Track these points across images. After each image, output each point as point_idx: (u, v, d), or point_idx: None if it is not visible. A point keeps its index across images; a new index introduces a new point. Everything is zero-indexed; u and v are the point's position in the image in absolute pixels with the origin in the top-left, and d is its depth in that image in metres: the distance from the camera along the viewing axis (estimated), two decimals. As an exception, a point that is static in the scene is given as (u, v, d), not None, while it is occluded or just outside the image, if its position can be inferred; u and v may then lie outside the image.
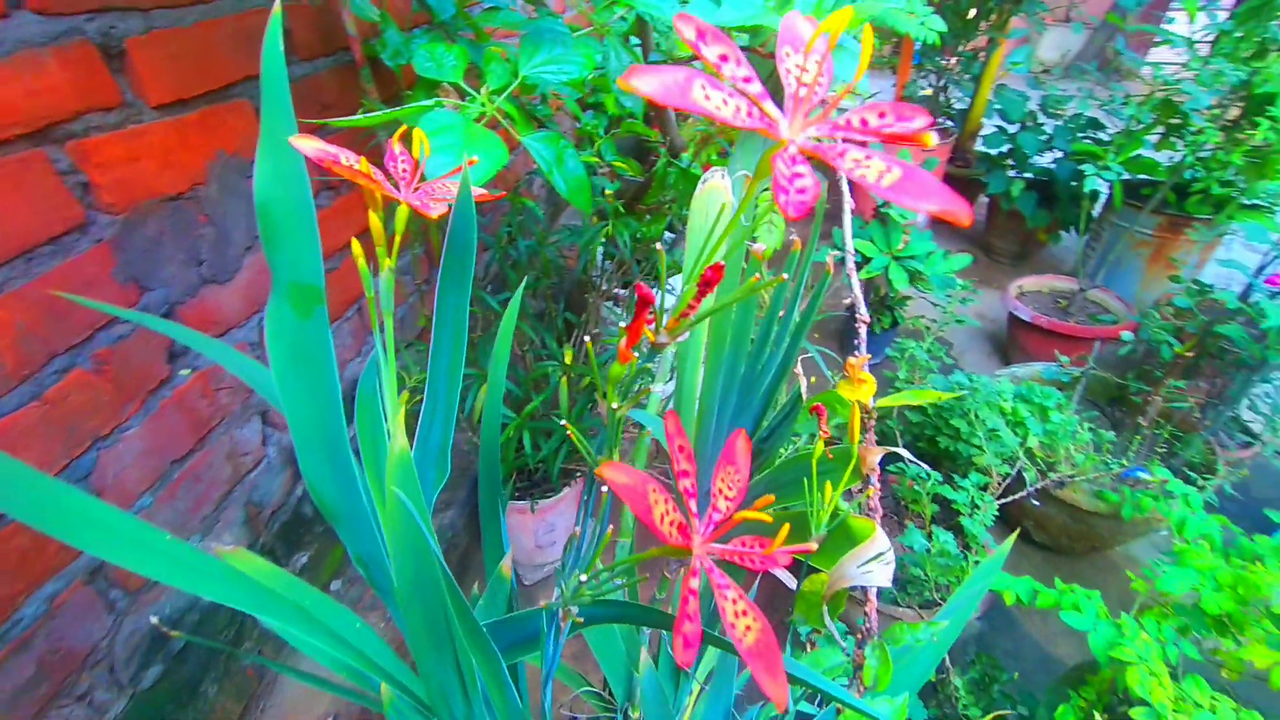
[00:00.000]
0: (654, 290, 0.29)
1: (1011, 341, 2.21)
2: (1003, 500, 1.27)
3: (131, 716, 0.83)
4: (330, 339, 0.36)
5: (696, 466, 0.53)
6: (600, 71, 0.66)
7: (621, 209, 1.14)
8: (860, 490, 0.38)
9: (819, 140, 0.16)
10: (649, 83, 0.16)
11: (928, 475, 1.21)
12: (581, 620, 0.31)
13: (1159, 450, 1.37)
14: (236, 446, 0.99)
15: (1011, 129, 2.49)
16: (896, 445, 1.46)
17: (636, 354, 0.27)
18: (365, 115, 0.53)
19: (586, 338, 1.31)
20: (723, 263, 0.26)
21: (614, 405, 0.31)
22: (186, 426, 0.89)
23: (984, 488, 1.25)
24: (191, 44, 0.83)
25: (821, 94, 0.17)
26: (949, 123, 2.84)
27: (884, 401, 0.34)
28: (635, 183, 1.14)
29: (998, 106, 2.49)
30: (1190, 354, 1.37)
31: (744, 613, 0.19)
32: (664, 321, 0.25)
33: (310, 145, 0.23)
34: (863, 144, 0.17)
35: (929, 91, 2.67)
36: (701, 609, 0.32)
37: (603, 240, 1.06)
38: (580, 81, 0.59)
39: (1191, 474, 1.30)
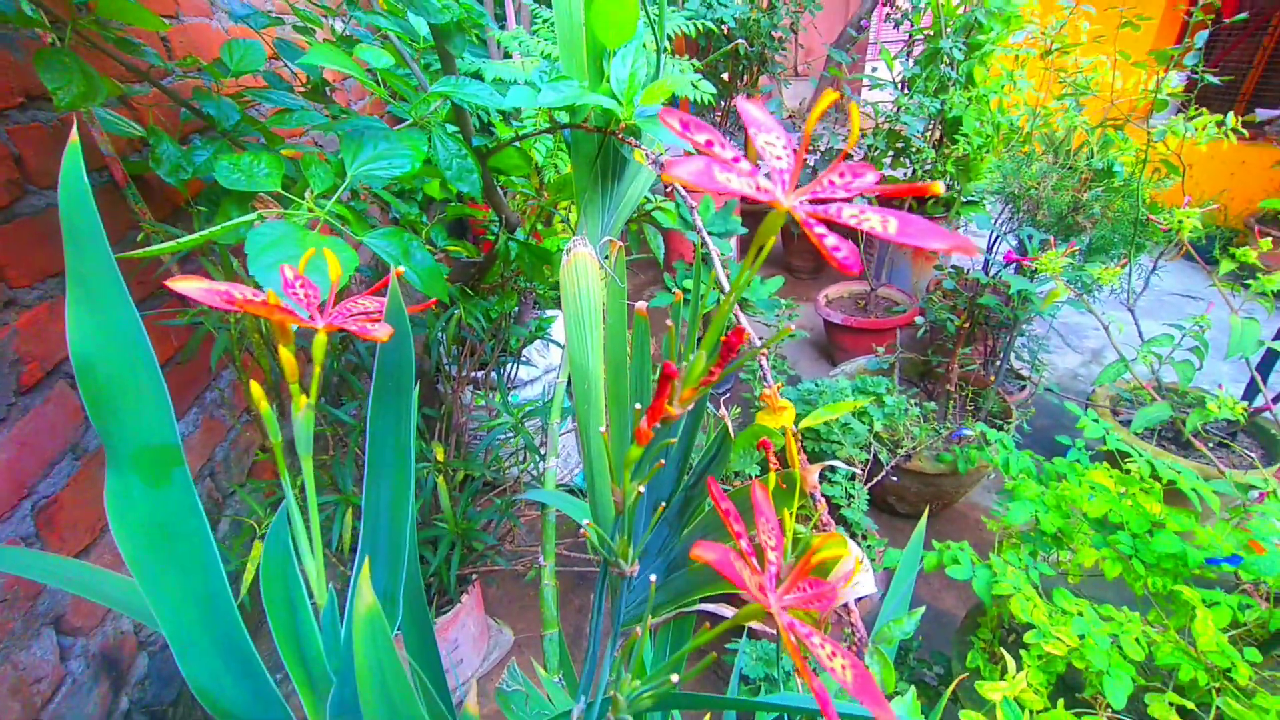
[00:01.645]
0: (515, 364, 0.29)
1: (832, 344, 2.50)
2: (869, 484, 1.41)
3: None
4: (198, 504, 0.30)
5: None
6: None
7: (467, 291, 1.12)
8: (820, 502, 0.40)
9: (823, 203, 0.18)
10: (683, 173, 0.17)
11: (806, 479, 1.30)
12: None
13: (968, 409, 1.63)
14: (24, 675, 0.76)
15: (784, 166, 2.91)
16: (766, 460, 1.57)
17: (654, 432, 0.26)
18: (177, 241, 0.46)
19: (454, 429, 1.24)
20: (744, 326, 0.27)
21: (639, 487, 0.29)
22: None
23: (852, 478, 1.38)
24: None
25: (791, 165, 0.19)
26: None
27: (807, 421, 0.37)
28: (474, 264, 1.13)
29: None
30: (966, 325, 1.67)
31: (834, 654, 0.19)
32: (679, 393, 0.25)
33: (193, 286, 0.20)
34: (848, 200, 0.19)
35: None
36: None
37: (454, 327, 1.03)
38: (412, 174, 0.58)
39: (996, 421, 1.57)
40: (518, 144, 0.80)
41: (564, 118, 0.71)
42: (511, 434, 1.07)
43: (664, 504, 0.51)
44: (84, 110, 0.66)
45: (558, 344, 1.40)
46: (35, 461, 0.82)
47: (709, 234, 2.23)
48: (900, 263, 2.59)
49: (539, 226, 1.28)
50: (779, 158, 0.19)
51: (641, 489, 0.30)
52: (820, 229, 0.17)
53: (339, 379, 1.17)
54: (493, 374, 1.33)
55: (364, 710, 0.21)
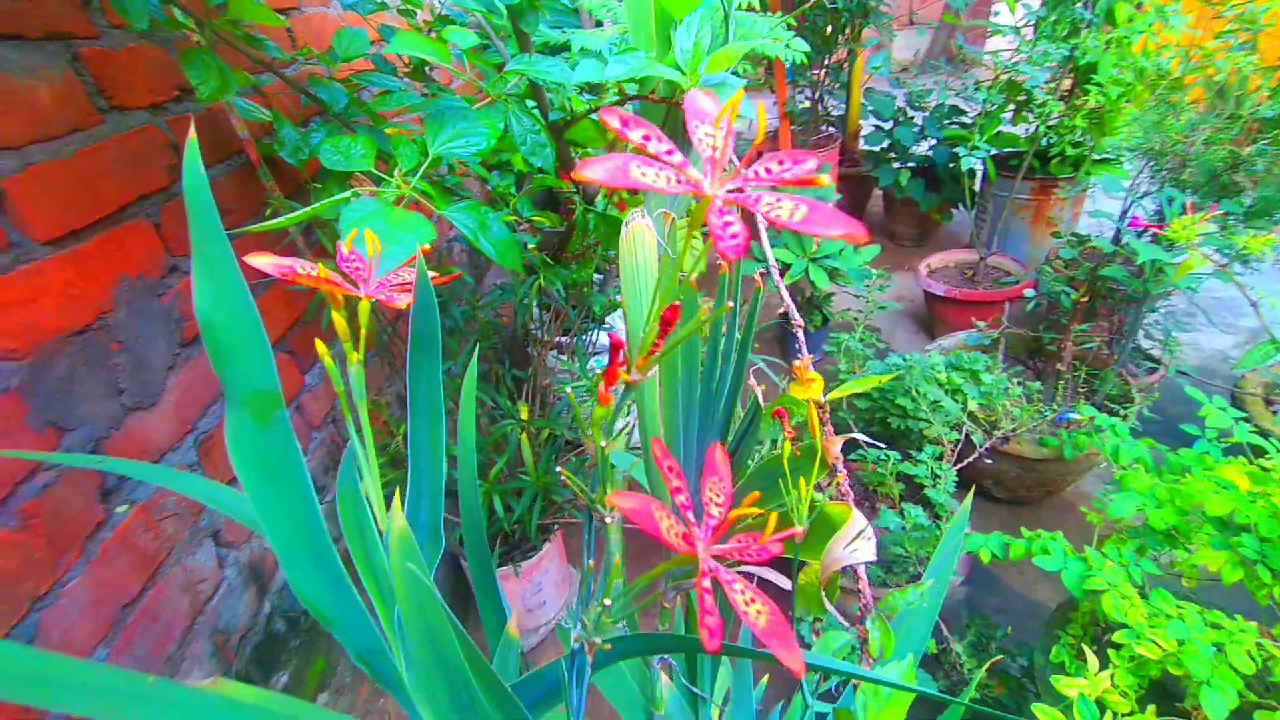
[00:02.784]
0: (597, 330, 0.31)
1: (932, 316, 2.35)
2: (958, 465, 1.34)
3: None
4: (295, 442, 0.35)
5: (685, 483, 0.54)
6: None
7: (548, 260, 1.17)
8: (829, 481, 0.40)
9: (738, 192, 0.19)
10: (596, 171, 0.19)
11: (887, 456, 1.26)
12: (609, 647, 0.31)
13: (1081, 391, 1.49)
14: (191, 575, 0.93)
15: (887, 126, 2.71)
16: (853, 433, 1.52)
17: (614, 395, 0.29)
18: (286, 216, 0.53)
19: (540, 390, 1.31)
20: (679, 303, 0.29)
21: (602, 444, 0.32)
22: (133, 565, 0.83)
23: (939, 457, 1.32)
24: (75, 174, 0.81)
25: (730, 155, 0.20)
26: (831, 129, 3.06)
27: (833, 394, 0.37)
28: (556, 233, 1.17)
29: (871, 108, 2.71)
30: (1085, 299, 1.51)
31: (752, 600, 0.21)
32: (634, 360, 0.27)
33: (265, 261, 0.24)
34: (771, 188, 0.19)
35: (808, 104, 2.88)
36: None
37: (535, 293, 1.08)
38: (489, 151, 0.62)
39: (1113, 406, 1.42)
40: (593, 116, 0.82)
41: (634, 89, 0.72)
42: (588, 396, 1.12)
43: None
44: (223, 100, 0.76)
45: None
46: (195, 402, 0.97)
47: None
48: (1015, 228, 2.36)
49: (624, 195, 1.30)
50: (714, 149, 0.20)
51: (606, 445, 0.32)
52: (721, 218, 0.18)
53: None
54: (576, 339, 1.39)
55: (403, 615, 0.25)
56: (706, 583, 0.22)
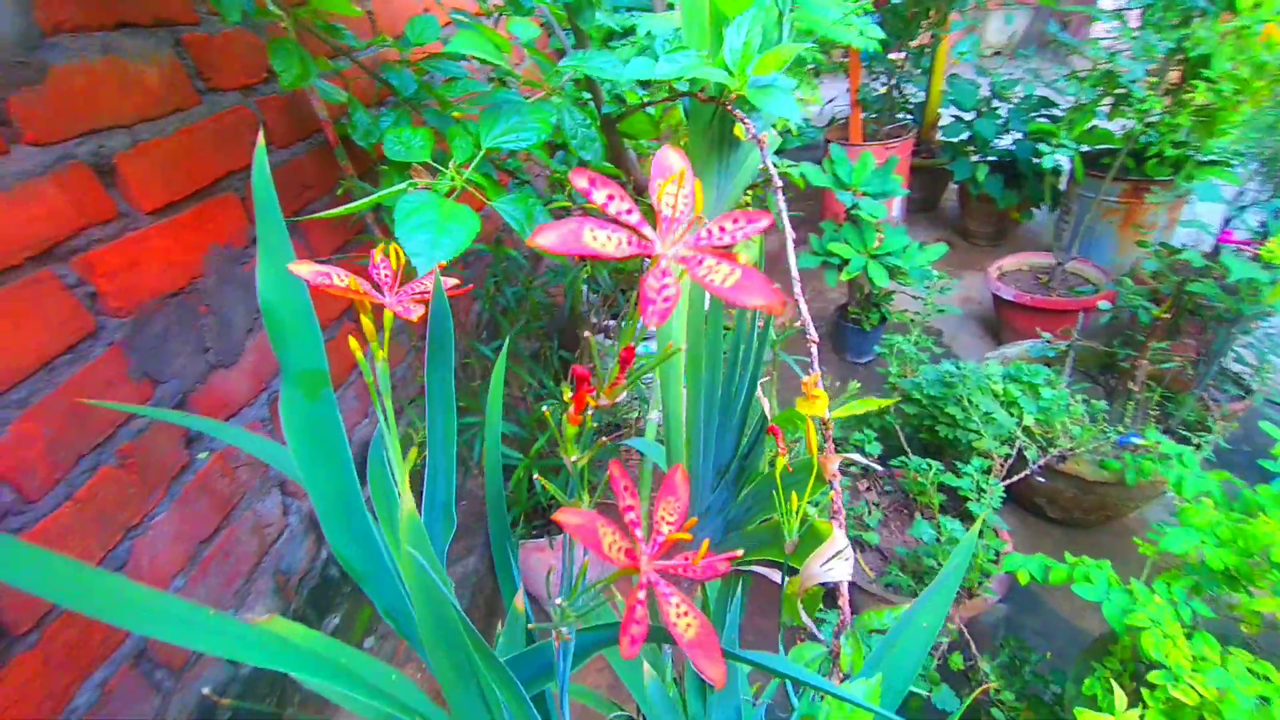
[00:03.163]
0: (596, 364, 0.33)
1: (1000, 322, 2.24)
2: (1008, 481, 1.29)
3: (182, 798, 0.85)
4: (338, 416, 0.40)
5: (689, 487, 0.56)
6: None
7: (599, 247, 1.19)
8: (836, 490, 0.41)
9: (686, 254, 0.20)
10: (549, 237, 0.20)
11: (929, 466, 1.23)
12: (569, 637, 0.34)
13: (1153, 414, 1.39)
14: (260, 520, 1.03)
15: (968, 116, 2.56)
16: (899, 439, 1.49)
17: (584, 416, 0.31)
18: (350, 205, 0.57)
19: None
20: (633, 345, 0.30)
21: (573, 458, 0.34)
22: (210, 507, 0.92)
23: (987, 471, 1.28)
24: (175, 150, 0.89)
25: (688, 215, 0.21)
26: (908, 118, 2.92)
27: (837, 413, 0.38)
28: (609, 220, 1.19)
29: (952, 97, 2.57)
30: (1168, 315, 1.40)
31: (684, 613, 0.22)
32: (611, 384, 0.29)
33: (306, 269, 0.28)
34: (725, 249, 0.21)
35: (884, 90, 2.76)
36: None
37: (585, 277, 1.11)
38: (539, 145, 0.64)
39: (1186, 434, 1.33)
40: (647, 109, 0.83)
41: (684, 86, 0.73)
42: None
43: (725, 470, 0.54)
44: (303, 86, 0.81)
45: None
46: (269, 364, 1.06)
47: (865, 194, 2.09)
48: (1101, 232, 2.20)
49: None
50: (672, 207, 0.21)
51: (582, 459, 0.34)
52: (660, 280, 0.19)
53: (490, 319, 1.33)
54: (623, 323, 1.41)
55: (411, 593, 0.28)
56: (641, 594, 0.24)
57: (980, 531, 1.18)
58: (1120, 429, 1.32)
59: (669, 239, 0.21)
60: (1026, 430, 1.33)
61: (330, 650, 0.47)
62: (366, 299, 0.28)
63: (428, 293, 0.33)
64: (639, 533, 0.26)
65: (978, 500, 1.22)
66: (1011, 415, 1.33)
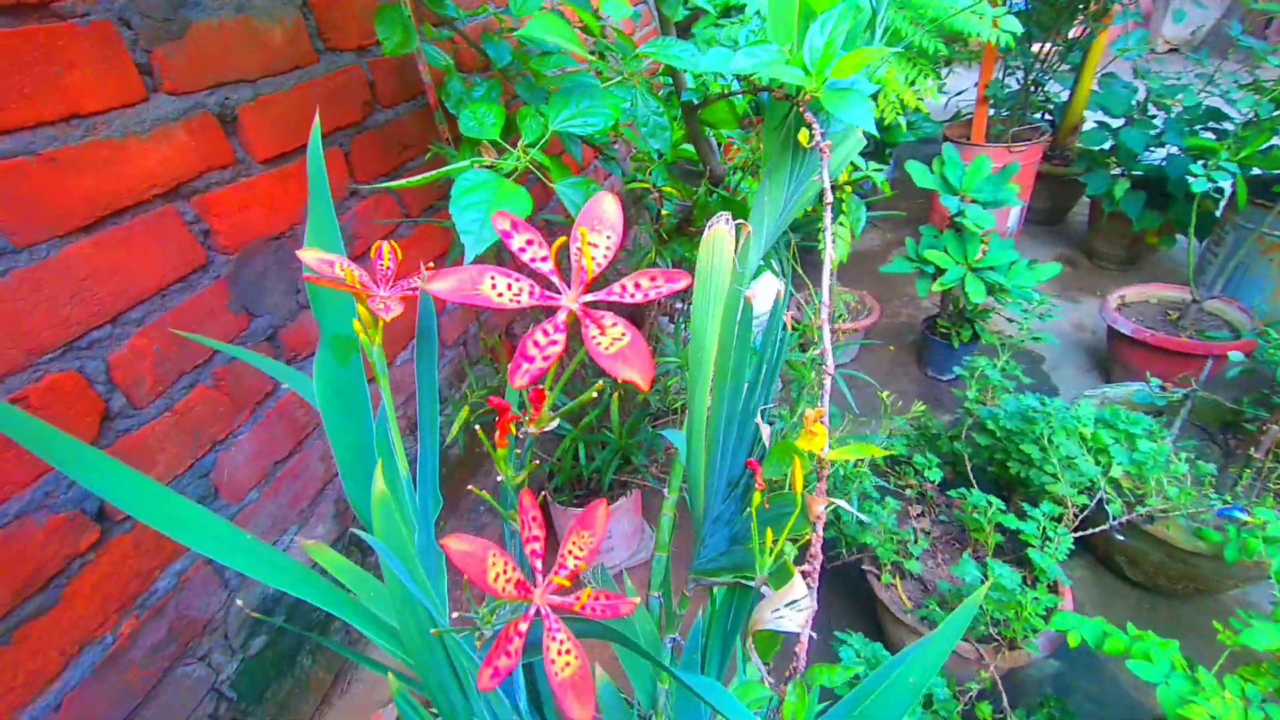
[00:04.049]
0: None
1: (1113, 356, 2.02)
2: (1081, 534, 1.18)
3: (241, 678, 0.97)
4: (363, 382, 0.43)
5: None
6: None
7: (673, 232, 1.19)
8: (817, 534, 0.39)
9: (588, 310, 0.20)
10: (444, 285, 0.20)
11: (990, 503, 1.15)
12: (487, 635, 0.35)
13: (1273, 487, 1.22)
14: (327, 449, 1.13)
15: (1115, 123, 2.28)
16: (964, 467, 1.39)
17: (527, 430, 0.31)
18: (411, 179, 0.61)
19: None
20: (508, 403, 0.30)
21: (510, 476, 0.34)
22: (286, 432, 1.02)
23: (1058, 519, 1.18)
24: (291, 105, 0.97)
25: (600, 268, 0.21)
26: (1044, 119, 2.64)
27: (833, 454, 0.36)
28: (685, 207, 1.18)
29: (1100, 99, 2.29)
30: (1317, 378, 1.21)
31: (567, 652, 0.23)
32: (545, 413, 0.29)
33: (312, 257, 0.30)
34: (637, 306, 0.20)
35: (1020, 86, 2.50)
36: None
37: (648, 262, 1.11)
38: (605, 131, 0.65)
39: (1313, 514, 1.15)
40: (729, 99, 0.81)
41: (763, 81, 0.70)
42: (678, 370, 1.15)
43: (736, 483, 0.54)
44: (405, 53, 0.85)
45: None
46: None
47: (974, 200, 1.93)
48: (1256, 270, 1.91)
49: (751, 181, 1.26)
50: (592, 259, 0.20)
51: (516, 478, 0.34)
52: (549, 335, 0.18)
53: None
54: (688, 308, 1.40)
55: (382, 567, 0.31)
56: (524, 626, 0.24)
57: (1034, 580, 1.10)
58: (1227, 498, 1.17)
59: (576, 291, 0.21)
60: (1112, 482, 1.21)
61: (358, 583, 0.52)
62: (363, 294, 0.30)
63: (416, 290, 0.34)
64: (539, 564, 0.27)
65: (1040, 548, 1.13)
66: (1098, 464, 1.21)
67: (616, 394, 1.19)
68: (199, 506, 0.42)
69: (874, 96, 1.48)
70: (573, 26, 1.10)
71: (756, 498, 0.38)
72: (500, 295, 0.22)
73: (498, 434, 0.31)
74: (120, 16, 0.73)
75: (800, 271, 1.26)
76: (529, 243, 0.23)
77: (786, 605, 0.33)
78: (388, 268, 0.31)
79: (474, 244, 0.54)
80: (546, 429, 0.30)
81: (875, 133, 0.54)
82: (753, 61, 0.61)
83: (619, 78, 0.72)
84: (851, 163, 0.94)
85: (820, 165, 0.75)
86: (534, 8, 1.02)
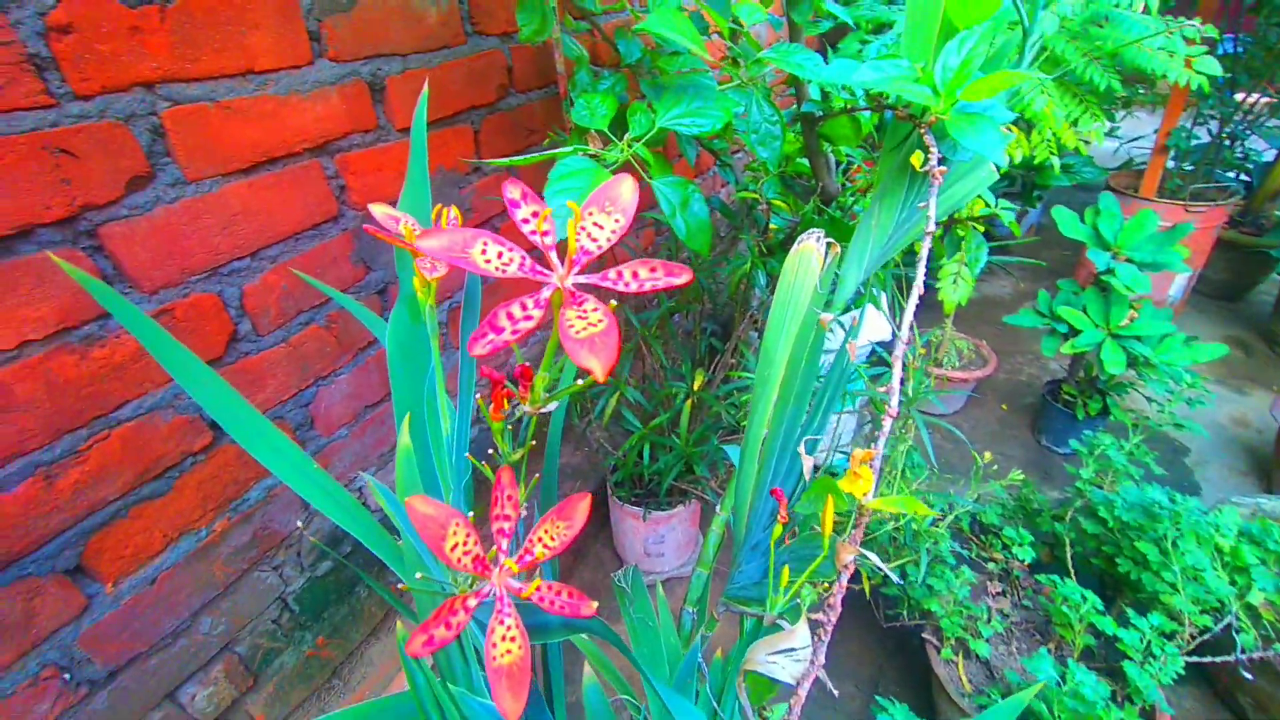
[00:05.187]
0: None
1: (1277, 462, 1.72)
2: (1197, 659, 1.02)
3: (305, 594, 1.06)
4: (431, 341, 0.45)
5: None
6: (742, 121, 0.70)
7: (776, 247, 1.15)
8: (840, 584, 0.36)
9: (574, 291, 0.19)
10: (436, 242, 0.20)
11: (1085, 598, 1.02)
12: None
13: None
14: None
15: (1335, 194, 1.93)
16: (1064, 553, 1.24)
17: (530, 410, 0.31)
18: (521, 158, 0.63)
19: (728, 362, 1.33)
20: (500, 375, 0.29)
21: (506, 451, 0.33)
22: (380, 381, 1.11)
23: (1169, 635, 1.02)
24: (435, 80, 1.04)
25: (600, 249, 0.20)
26: (1236, 179, 2.29)
27: (876, 503, 0.32)
28: (792, 224, 1.15)
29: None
30: None
31: (511, 639, 0.22)
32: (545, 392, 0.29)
33: (379, 210, 0.32)
34: (621, 294, 0.19)
35: (1211, 139, 2.18)
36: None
37: (741, 275, 1.09)
38: (714, 132, 0.63)
39: None
40: (853, 115, 0.77)
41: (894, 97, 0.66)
42: (749, 390, 1.11)
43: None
44: (539, 41, 0.89)
45: (842, 326, 1.33)
46: (457, 279, 1.21)
47: (1129, 259, 1.73)
48: None
49: (861, 202, 1.20)
50: (592, 239, 0.19)
51: (513, 455, 0.32)
52: (531, 310, 0.17)
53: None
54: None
55: (399, 506, 0.32)
56: (473, 602, 0.23)
57: (1126, 699, 0.96)
58: (1407, 661, 0.95)
59: (571, 272, 0.20)
60: (1249, 608, 1.02)
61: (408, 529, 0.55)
62: (417, 254, 0.32)
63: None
64: (505, 544, 0.26)
65: (1141, 663, 0.99)
66: (1233, 583, 1.03)
67: (690, 401, 1.18)
68: (285, 437, 0.46)
69: (1027, 131, 1.36)
70: (710, 31, 1.10)
71: (777, 530, 0.36)
72: (488, 262, 0.21)
73: (493, 408, 0.32)
74: (302, -12, 0.82)
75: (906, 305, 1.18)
76: (534, 215, 0.23)
77: (782, 651, 0.30)
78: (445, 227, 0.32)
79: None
80: (544, 409, 0.30)
81: (1002, 164, 0.49)
82: (876, 75, 0.57)
83: (738, 82, 0.70)
84: (981, 198, 0.86)
85: (946, 190, 0.70)
86: (672, 7, 1.02)
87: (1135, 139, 2.52)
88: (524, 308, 0.21)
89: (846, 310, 0.65)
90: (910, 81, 0.55)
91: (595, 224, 0.23)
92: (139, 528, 0.79)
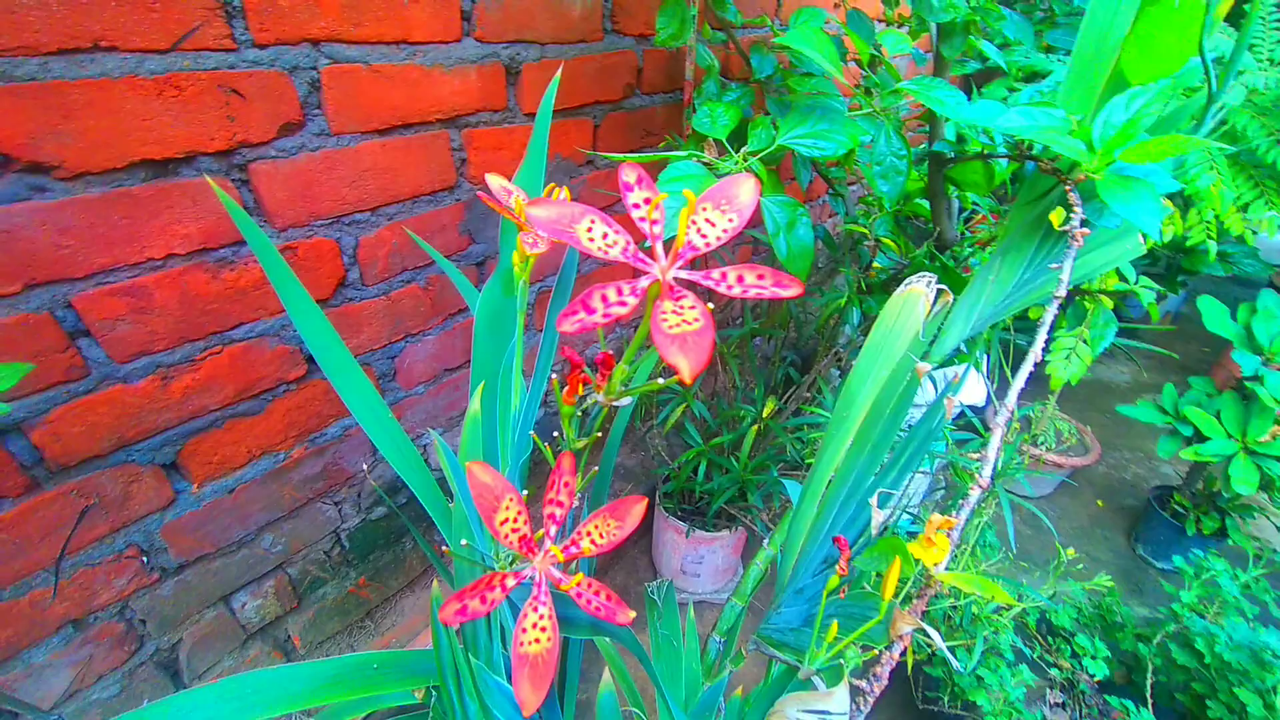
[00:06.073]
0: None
1: None
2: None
3: (357, 533, 1.12)
4: (518, 314, 0.46)
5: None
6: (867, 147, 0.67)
7: (876, 287, 1.11)
8: (892, 654, 0.33)
9: (672, 285, 0.17)
10: (544, 212, 0.19)
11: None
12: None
13: None
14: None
15: None
16: (1144, 678, 1.11)
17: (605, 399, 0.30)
18: (633, 155, 0.64)
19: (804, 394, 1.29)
20: (580, 358, 0.27)
21: (571, 437, 0.32)
22: (463, 347, 1.15)
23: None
24: (568, 71, 1.07)
25: (708, 247, 0.18)
26: None
27: (946, 576, 0.29)
28: (900, 265, 1.09)
29: None
30: None
31: (543, 629, 0.20)
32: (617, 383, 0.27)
33: (496, 182, 0.32)
34: (714, 293, 0.17)
35: None
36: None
37: (832, 310, 1.05)
38: (835, 158, 0.61)
39: None
40: (988, 160, 0.72)
41: (1041, 147, 0.62)
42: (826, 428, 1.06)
43: (831, 563, 0.48)
44: (674, 46, 0.90)
45: (933, 381, 1.25)
46: (553, 262, 1.24)
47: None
48: None
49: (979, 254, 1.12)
50: (702, 235, 0.17)
51: (578, 443, 0.31)
52: (615, 292, 0.15)
53: (740, 308, 1.34)
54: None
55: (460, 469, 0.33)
56: (511, 582, 0.22)
57: None
58: None
59: (674, 265, 0.19)
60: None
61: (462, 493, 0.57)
62: (524, 228, 0.32)
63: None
64: (554, 530, 0.25)
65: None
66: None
67: (756, 426, 1.15)
68: (369, 382, 0.49)
69: (1183, 208, 1.23)
70: (848, 58, 1.07)
71: (834, 580, 0.33)
72: (591, 240, 0.21)
73: (567, 392, 0.31)
74: (464, -31, 0.87)
75: (1010, 375, 1.09)
76: (646, 201, 0.22)
77: (816, 712, 0.28)
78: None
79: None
80: (616, 402, 0.29)
81: (1155, 237, 0.44)
82: (1026, 123, 0.54)
83: (868, 110, 0.67)
84: (1119, 271, 0.78)
85: (1081, 256, 0.65)
86: (814, 26, 1.00)
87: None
88: (619, 292, 0.20)
89: (943, 365, 0.61)
90: (1063, 133, 0.51)
91: (708, 220, 0.22)
92: (230, 439, 0.86)
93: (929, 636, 0.28)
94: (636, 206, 0.23)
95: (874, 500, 0.39)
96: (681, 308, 0.19)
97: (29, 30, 0.58)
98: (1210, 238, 1.23)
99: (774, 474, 1.13)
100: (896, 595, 0.30)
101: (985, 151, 0.67)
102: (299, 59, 0.76)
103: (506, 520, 0.25)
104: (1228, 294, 1.88)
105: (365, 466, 1.08)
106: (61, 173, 0.64)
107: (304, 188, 0.81)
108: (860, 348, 1.33)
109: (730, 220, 0.22)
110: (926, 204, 1.02)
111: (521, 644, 0.22)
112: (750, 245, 1.72)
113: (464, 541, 0.31)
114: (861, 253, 1.19)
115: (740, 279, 0.20)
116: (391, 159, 0.89)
